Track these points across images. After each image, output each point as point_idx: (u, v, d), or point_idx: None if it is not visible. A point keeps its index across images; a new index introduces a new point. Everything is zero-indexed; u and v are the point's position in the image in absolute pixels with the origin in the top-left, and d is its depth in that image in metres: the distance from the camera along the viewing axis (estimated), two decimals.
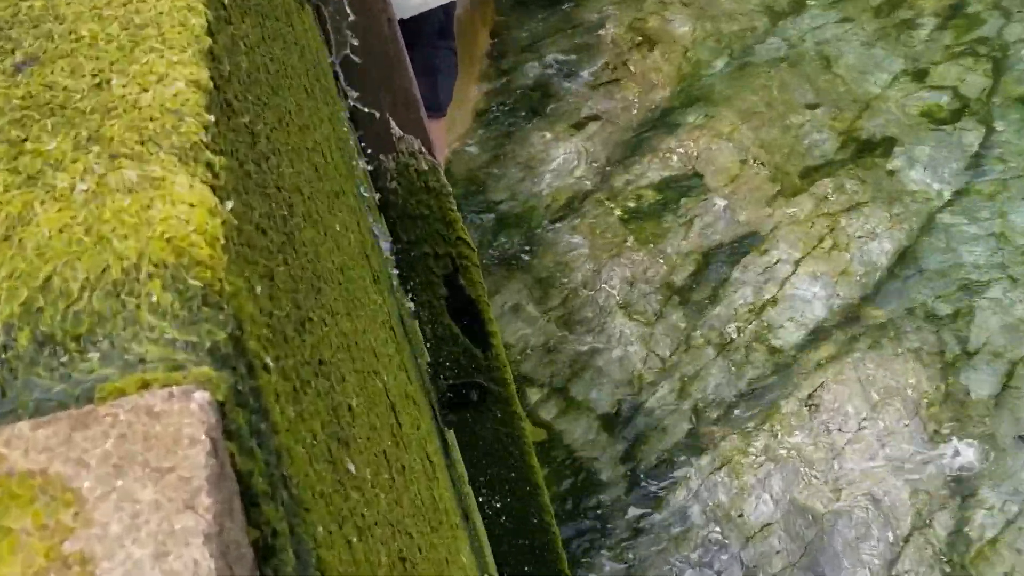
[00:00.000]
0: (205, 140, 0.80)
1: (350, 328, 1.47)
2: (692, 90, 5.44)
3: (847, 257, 4.51)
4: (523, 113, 5.48)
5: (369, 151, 3.00)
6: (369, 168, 2.91)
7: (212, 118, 0.83)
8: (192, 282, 0.67)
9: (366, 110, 2.96)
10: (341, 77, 2.73)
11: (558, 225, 4.91)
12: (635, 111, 5.41)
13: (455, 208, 3.07)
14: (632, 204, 4.92)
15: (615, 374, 4.35)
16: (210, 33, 0.93)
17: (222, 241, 0.71)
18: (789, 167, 4.94)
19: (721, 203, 4.82)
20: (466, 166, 5.27)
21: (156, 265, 0.67)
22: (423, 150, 3.08)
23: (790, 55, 5.54)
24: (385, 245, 2.92)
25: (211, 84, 0.86)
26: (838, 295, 4.41)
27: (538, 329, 4.51)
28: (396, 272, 2.98)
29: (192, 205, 0.72)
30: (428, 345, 2.99)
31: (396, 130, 3.03)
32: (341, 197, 2.04)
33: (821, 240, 4.58)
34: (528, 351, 4.43)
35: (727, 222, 4.73)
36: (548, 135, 5.33)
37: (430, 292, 3.02)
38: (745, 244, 4.63)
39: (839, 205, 4.72)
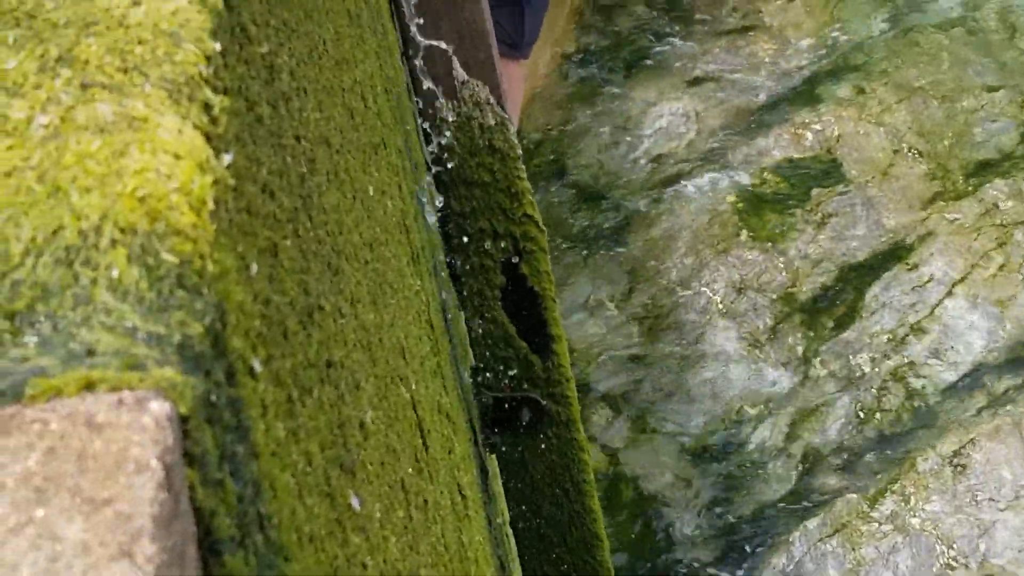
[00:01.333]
0: (205, 74, 0.78)
1: (374, 321, 1.46)
2: (839, 54, 5.37)
3: (1019, 281, 4.43)
4: (622, 62, 5.45)
5: (424, 96, 2.98)
6: (422, 121, 2.90)
7: (218, 46, 0.81)
8: (166, 256, 0.65)
9: (424, 42, 2.94)
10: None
11: (654, 205, 4.88)
12: (764, 73, 5.36)
13: (524, 176, 3.06)
14: (750, 187, 4.88)
15: (708, 400, 4.32)
16: None
17: (211, 206, 0.69)
18: (953, 162, 4.86)
19: (864, 200, 4.75)
20: (543, 121, 5.25)
21: (122, 230, 0.66)
22: (492, 100, 3.06)
23: (968, 21, 5.44)
24: (431, 217, 2.91)
25: (222, 4, 0.85)
26: (1003, 329, 4.33)
27: (615, 333, 4.49)
28: (443, 251, 2.97)
29: (178, 156, 0.70)
30: (474, 346, 2.98)
31: (460, 72, 3.01)
32: (381, 152, 2.03)
33: (987, 257, 4.51)
34: (599, 360, 4.41)
35: (869, 225, 4.67)
36: (651, 91, 5.29)
37: (483, 279, 3.01)
38: (890, 255, 4.57)
39: (1014, 215, 4.64)
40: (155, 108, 0.74)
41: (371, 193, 1.73)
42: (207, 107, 0.77)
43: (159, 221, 0.67)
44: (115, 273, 0.65)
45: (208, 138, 0.75)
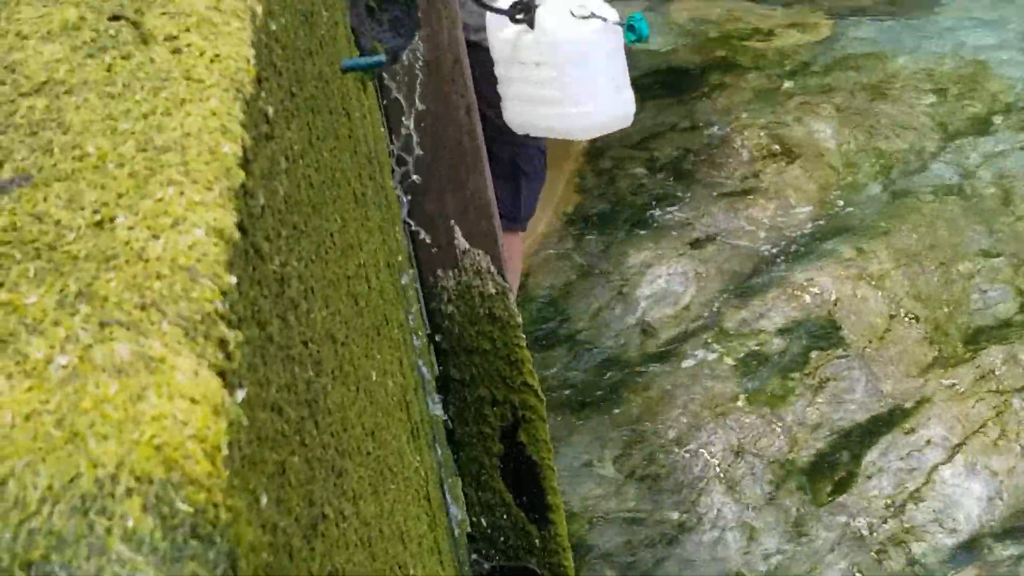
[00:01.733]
0: (221, 309, 0.80)
1: (374, 512, 1.47)
2: (837, 217, 5.43)
3: (1018, 450, 4.43)
4: (621, 222, 5.51)
5: (425, 265, 3.01)
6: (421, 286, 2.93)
7: (234, 279, 0.84)
8: (181, 506, 0.67)
9: (428, 213, 2.98)
10: (399, 174, 2.77)
11: (652, 366, 4.89)
12: (763, 234, 5.41)
13: (523, 344, 3.08)
14: (748, 351, 4.89)
15: (706, 565, 4.29)
16: (245, 163, 0.95)
17: (224, 451, 0.71)
18: (951, 327, 4.89)
19: (862, 364, 4.77)
20: (544, 281, 5.29)
21: (138, 479, 0.67)
22: (492, 269, 3.09)
23: (964, 187, 5.52)
24: (425, 370, 2.93)
25: (237, 234, 0.87)
26: (1002, 498, 4.32)
27: (613, 495, 4.47)
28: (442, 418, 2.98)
29: (194, 401, 0.72)
30: (471, 514, 2.98)
31: (461, 241, 3.04)
32: (383, 330, 2.05)
33: (985, 425, 4.51)
34: (596, 522, 4.39)
35: (867, 389, 4.68)
36: (650, 252, 5.34)
37: (481, 447, 3.01)
38: (888, 420, 4.57)
39: (1012, 381, 4.65)
40: (172, 348, 0.76)
41: (373, 378, 1.74)
42: (222, 343, 0.79)
43: (174, 470, 0.68)
44: (130, 523, 0.66)
45: (223, 375, 0.77)
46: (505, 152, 3.74)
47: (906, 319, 4.90)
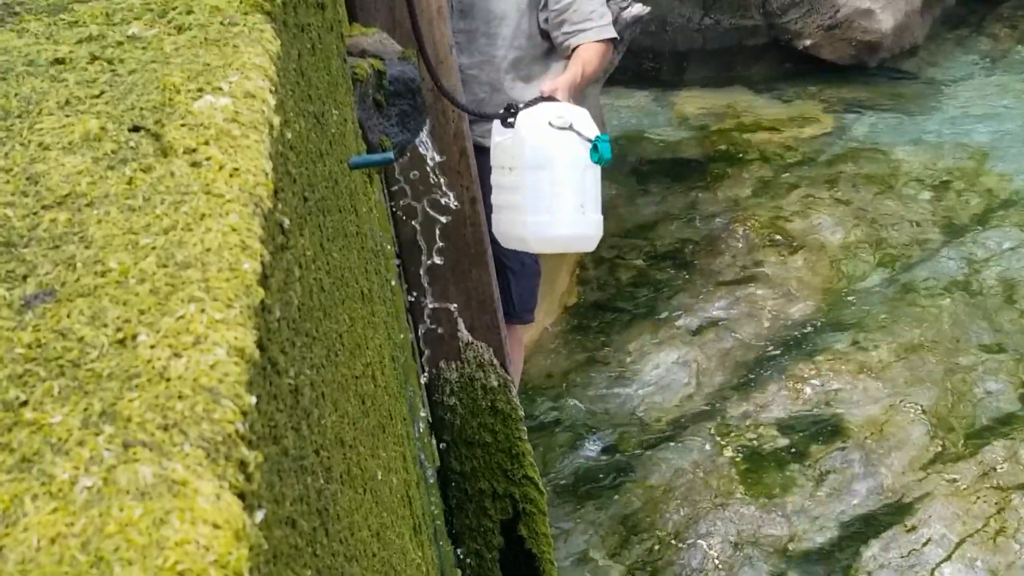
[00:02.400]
0: (242, 431, 0.81)
1: None
2: (839, 309, 5.45)
3: (1016, 548, 4.41)
4: (622, 311, 5.53)
5: (428, 356, 3.03)
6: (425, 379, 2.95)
7: (253, 399, 0.85)
8: None
9: (431, 305, 3.00)
10: (403, 274, 2.79)
11: (651, 454, 4.89)
12: (765, 324, 5.43)
13: (525, 437, 3.09)
14: (749, 442, 4.90)
15: None
16: (263, 278, 0.97)
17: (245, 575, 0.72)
18: (952, 422, 4.89)
19: (862, 457, 4.77)
20: (545, 368, 5.30)
21: None
22: (495, 361, 3.11)
23: (968, 282, 5.54)
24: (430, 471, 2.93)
25: (257, 352, 0.89)
26: None
27: None
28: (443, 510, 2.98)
29: (216, 526, 0.73)
30: None
31: (464, 333, 3.06)
32: (388, 427, 2.06)
33: (986, 522, 4.50)
34: None
35: (868, 483, 4.68)
36: (650, 341, 5.36)
37: (481, 540, 3.01)
38: (888, 515, 4.56)
39: (1013, 478, 4.65)
40: (194, 470, 0.77)
41: (379, 477, 1.75)
42: (242, 465, 0.80)
43: None
44: None
45: (243, 497, 0.78)
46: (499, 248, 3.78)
47: (908, 413, 4.91)
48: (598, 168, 3.28)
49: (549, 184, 3.28)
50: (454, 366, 3.05)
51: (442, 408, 3.06)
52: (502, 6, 3.86)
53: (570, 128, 3.24)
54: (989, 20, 9.01)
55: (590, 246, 3.52)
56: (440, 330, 3.15)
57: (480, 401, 3.06)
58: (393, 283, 2.78)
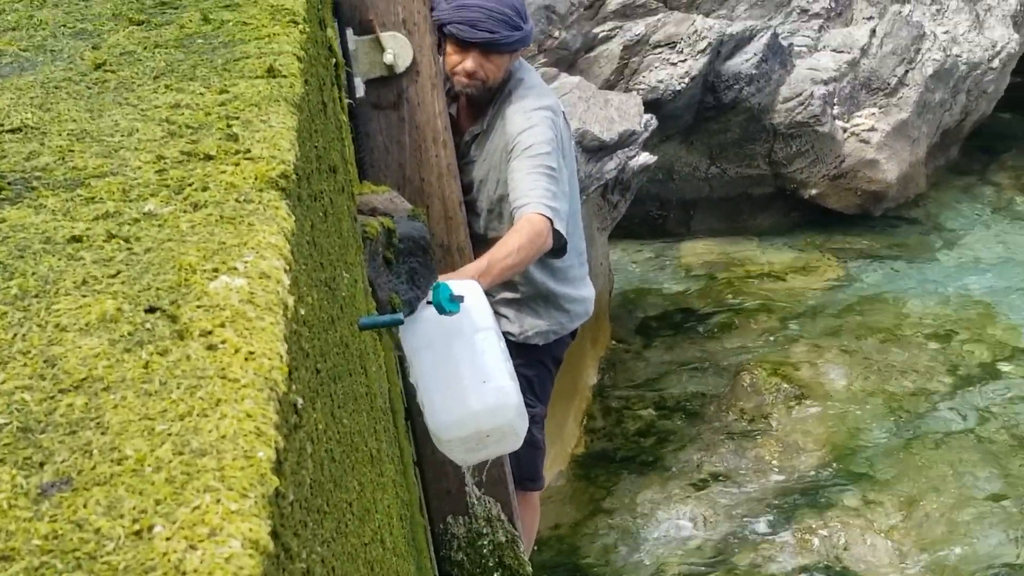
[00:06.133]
0: None
1: None
2: (846, 460, 5.44)
3: None
4: (629, 462, 5.52)
5: (436, 511, 3.02)
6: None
7: None
8: None
9: (439, 460, 3.00)
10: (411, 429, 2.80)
11: None
12: (772, 476, 5.42)
13: None
14: None
15: None
16: (278, 466, 0.98)
17: None
18: (963, 572, 4.85)
19: None
20: (552, 518, 5.28)
21: None
22: (503, 517, 3.10)
23: (974, 431, 5.54)
24: None
25: (271, 543, 0.89)
26: None
27: None
28: None
29: None
30: None
31: (472, 489, 3.06)
32: None
33: None
34: None
35: None
36: (658, 493, 5.34)
37: None
38: None
39: None
40: None
41: None
42: None
43: None
44: None
45: None
46: None
47: (916, 567, 4.88)
48: (490, 331, 3.08)
49: (434, 363, 3.05)
50: (461, 521, 3.05)
51: (449, 564, 3.04)
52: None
53: (459, 299, 2.99)
54: (993, 169, 9.11)
55: (503, 418, 3.04)
56: (448, 484, 3.15)
57: (487, 558, 3.05)
58: (402, 438, 2.78)
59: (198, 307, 1.17)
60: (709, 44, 7.16)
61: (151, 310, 1.17)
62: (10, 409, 1.01)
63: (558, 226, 3.46)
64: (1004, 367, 5.97)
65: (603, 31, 6.93)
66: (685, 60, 7.08)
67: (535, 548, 4.95)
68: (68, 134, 1.60)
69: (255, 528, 0.90)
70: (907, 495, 5.18)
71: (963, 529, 5.04)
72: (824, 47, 8.04)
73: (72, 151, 1.54)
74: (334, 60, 2.81)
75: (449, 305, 2.88)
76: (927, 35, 8.42)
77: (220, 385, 1.05)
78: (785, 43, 7.76)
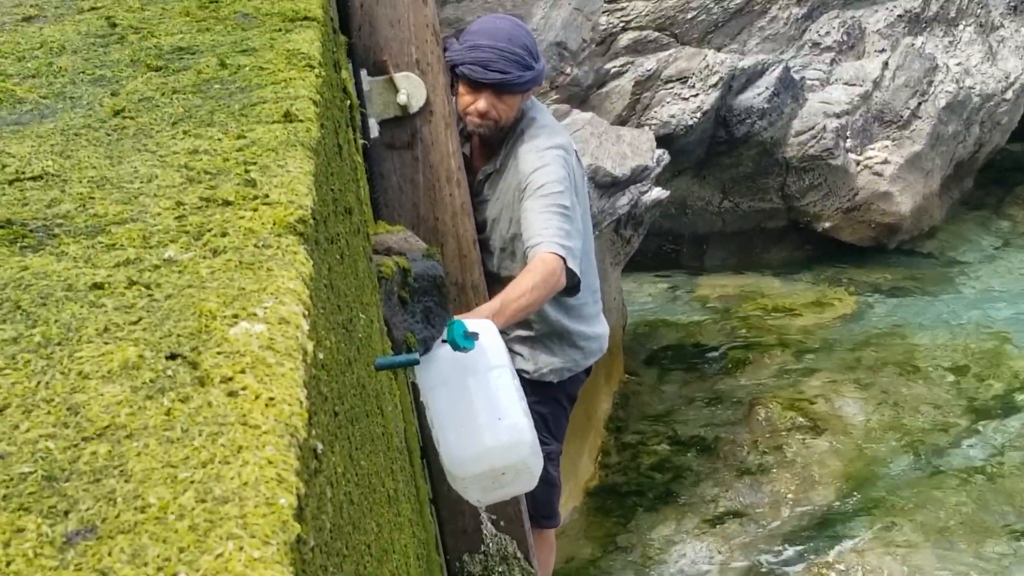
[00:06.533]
0: None
1: None
2: (863, 494, 5.43)
3: None
4: (644, 497, 5.52)
5: (452, 550, 3.03)
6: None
7: None
8: None
9: (454, 497, 3.00)
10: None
11: None
12: (787, 511, 5.41)
13: None
14: None
15: None
16: (299, 512, 0.99)
17: None
18: None
19: None
20: (567, 552, 5.28)
21: None
22: (519, 554, 3.10)
23: (992, 465, 5.52)
24: None
25: None
26: None
27: None
28: None
29: None
30: None
31: (488, 526, 3.06)
32: None
33: None
34: None
35: None
36: (672, 529, 5.33)
37: None
38: None
39: None
40: None
41: None
42: None
43: None
44: None
45: None
46: None
47: None
48: (505, 368, 3.06)
49: (448, 401, 3.04)
50: (477, 559, 3.05)
51: None
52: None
53: (473, 336, 2.98)
54: (1007, 202, 9.12)
55: (514, 456, 3.03)
56: (464, 522, 3.15)
57: None
58: (418, 476, 2.79)
59: (218, 353, 1.18)
60: (721, 78, 7.19)
61: (172, 357, 1.18)
62: (35, 457, 1.02)
63: (571, 265, 3.48)
64: (1021, 399, 5.95)
65: (615, 67, 6.96)
66: (697, 95, 7.11)
67: None
68: (88, 181, 1.62)
69: (278, 575, 0.91)
70: (925, 530, 5.17)
71: (983, 564, 5.02)
72: (836, 80, 8.06)
73: (92, 198, 1.56)
74: (348, 102, 2.84)
75: (464, 341, 2.90)
76: (940, 67, 8.44)
77: (241, 432, 1.06)
78: (797, 76, 7.78)
